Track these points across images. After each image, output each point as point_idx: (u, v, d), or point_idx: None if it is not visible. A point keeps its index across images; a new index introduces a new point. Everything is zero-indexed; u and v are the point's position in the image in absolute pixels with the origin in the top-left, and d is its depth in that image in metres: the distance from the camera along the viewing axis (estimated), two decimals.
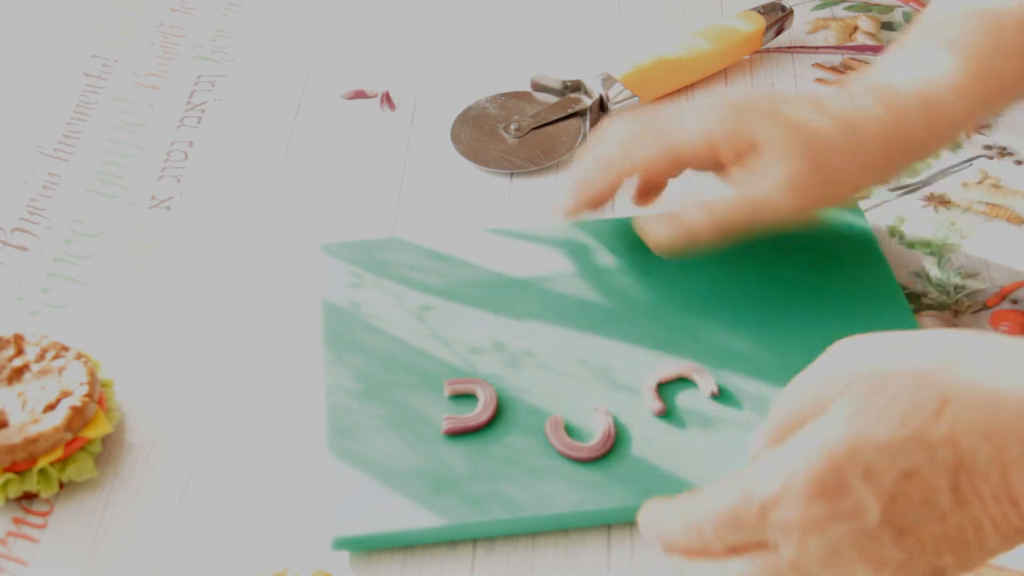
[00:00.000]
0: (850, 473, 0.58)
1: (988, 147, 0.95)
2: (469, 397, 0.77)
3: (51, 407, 0.75)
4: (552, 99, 0.98)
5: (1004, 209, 0.91)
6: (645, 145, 0.81)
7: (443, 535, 0.72)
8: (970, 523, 0.58)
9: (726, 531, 0.61)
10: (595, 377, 0.78)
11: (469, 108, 0.98)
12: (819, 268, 0.84)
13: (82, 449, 0.75)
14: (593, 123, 0.97)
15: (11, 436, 0.73)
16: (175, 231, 0.91)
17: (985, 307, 0.85)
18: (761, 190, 0.78)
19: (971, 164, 0.94)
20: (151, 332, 0.84)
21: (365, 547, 0.72)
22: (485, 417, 0.76)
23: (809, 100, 0.80)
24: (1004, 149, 0.95)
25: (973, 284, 0.86)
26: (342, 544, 0.71)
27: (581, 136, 0.95)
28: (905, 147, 0.80)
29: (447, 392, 0.77)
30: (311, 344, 0.83)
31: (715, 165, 0.80)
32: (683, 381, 0.78)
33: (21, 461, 0.74)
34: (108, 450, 0.78)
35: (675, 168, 0.82)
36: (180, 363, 0.82)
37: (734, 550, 0.62)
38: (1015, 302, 0.85)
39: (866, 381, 0.60)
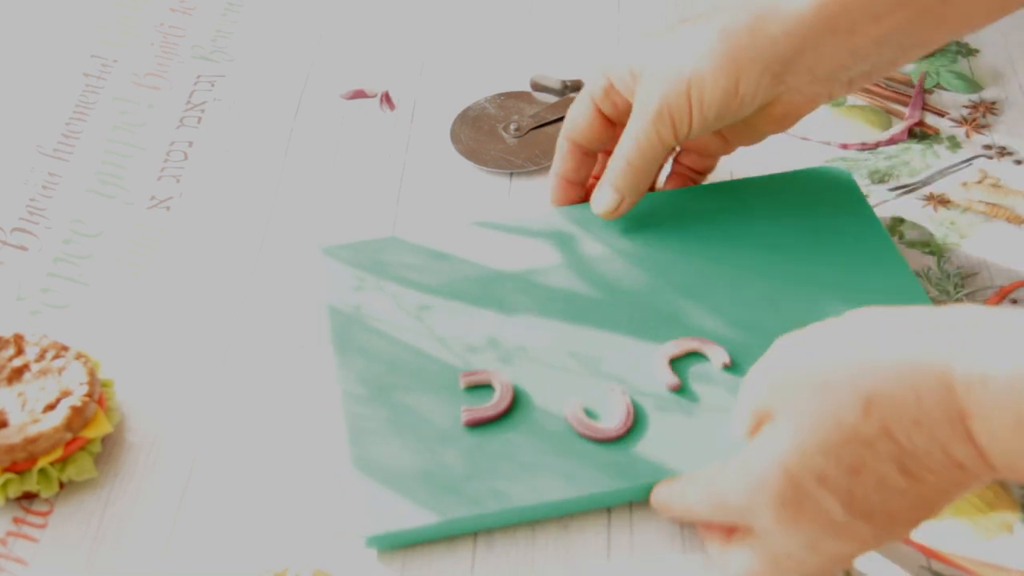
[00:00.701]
0: (806, 482, 0.62)
1: (988, 147, 0.95)
2: (484, 388, 0.78)
3: (51, 407, 0.75)
4: (552, 99, 0.98)
5: (1004, 209, 0.91)
6: (576, 107, 0.85)
7: (474, 525, 0.72)
8: (929, 490, 0.62)
9: (718, 514, 0.68)
10: (607, 359, 0.79)
11: (469, 108, 0.98)
12: (807, 227, 0.85)
13: (82, 449, 0.75)
14: None
15: (11, 436, 0.73)
16: (175, 231, 0.91)
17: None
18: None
19: (971, 164, 0.94)
20: (151, 332, 0.84)
21: (398, 543, 0.72)
22: (503, 406, 0.76)
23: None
24: (1004, 149, 0.95)
25: (973, 284, 0.86)
26: (374, 542, 0.72)
27: None
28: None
29: (462, 384, 0.77)
30: (313, 345, 0.83)
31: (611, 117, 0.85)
32: (694, 356, 0.79)
33: (21, 461, 0.74)
34: (108, 450, 0.78)
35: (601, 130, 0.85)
36: (180, 363, 0.82)
37: (732, 532, 0.68)
38: (1015, 302, 0.85)
39: (803, 388, 0.63)
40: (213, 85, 1.02)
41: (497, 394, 0.77)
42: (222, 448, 0.78)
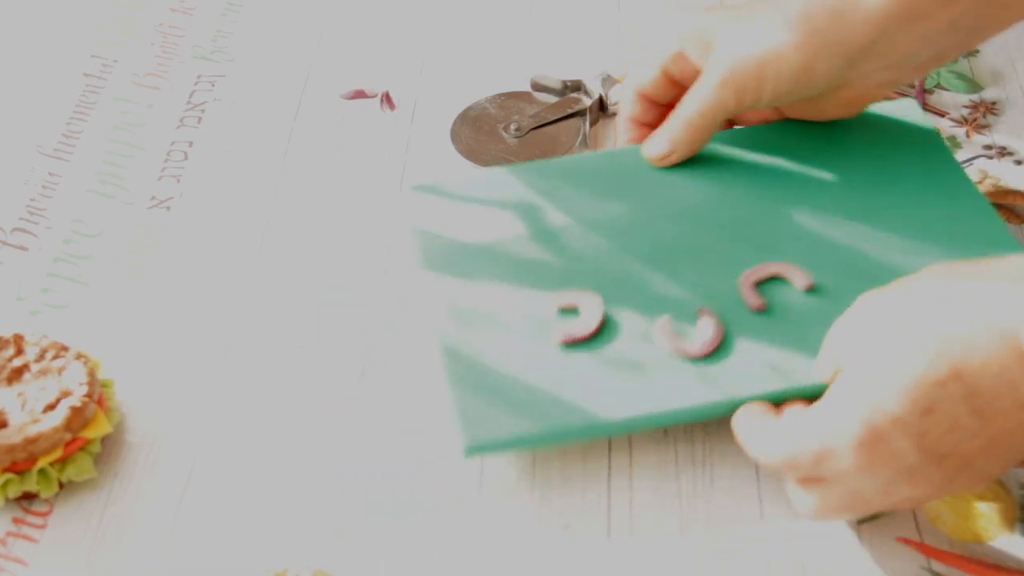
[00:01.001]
0: (881, 425, 0.65)
1: (988, 147, 0.95)
2: (575, 311, 0.79)
3: (51, 407, 0.75)
4: (552, 99, 0.98)
5: (1004, 209, 0.90)
6: (642, 65, 0.87)
7: (566, 435, 0.74)
8: (1000, 433, 0.65)
9: (790, 471, 0.69)
10: (694, 282, 0.80)
11: (469, 108, 0.98)
12: (886, 165, 0.87)
13: (82, 449, 0.75)
14: (592, 123, 0.97)
15: (11, 436, 0.73)
16: (175, 231, 0.91)
17: None
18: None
19: (971, 164, 0.94)
20: (151, 332, 0.84)
21: (494, 449, 0.74)
22: (595, 326, 0.78)
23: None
24: (1004, 149, 0.95)
25: None
26: (473, 450, 0.73)
27: (581, 136, 0.95)
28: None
29: (555, 305, 0.79)
30: (310, 343, 0.83)
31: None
32: (777, 280, 0.80)
33: (21, 461, 0.74)
34: (108, 450, 0.78)
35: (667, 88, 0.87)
36: (180, 363, 0.82)
37: (802, 480, 0.70)
38: None
39: (879, 338, 0.67)
40: (213, 85, 1.02)
41: (589, 315, 0.78)
42: (222, 448, 0.78)
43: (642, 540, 0.73)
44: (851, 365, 0.68)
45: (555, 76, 0.99)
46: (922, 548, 0.72)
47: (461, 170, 0.94)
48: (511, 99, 0.99)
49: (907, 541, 0.73)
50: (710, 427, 0.78)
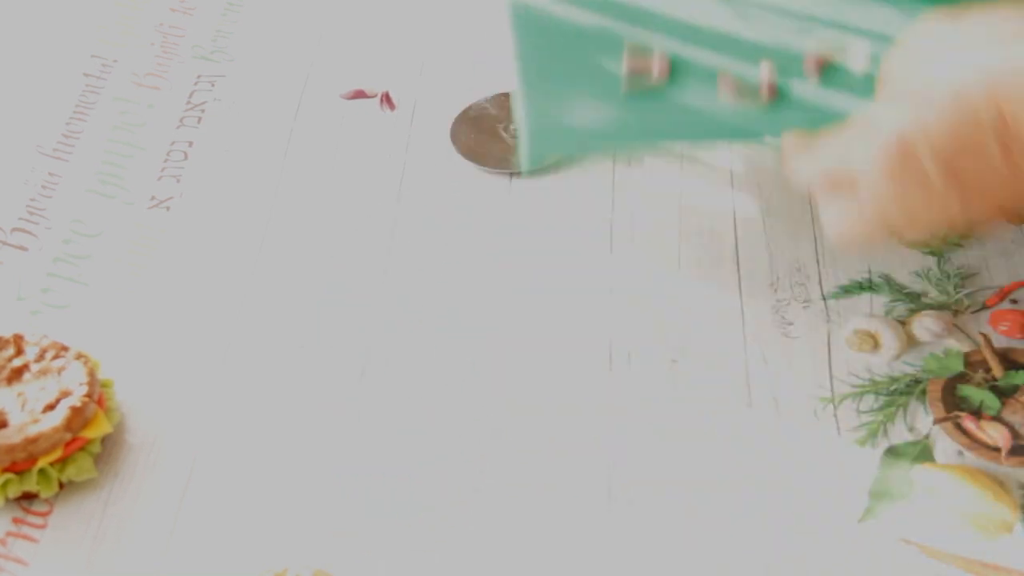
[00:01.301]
0: (914, 139, 0.69)
1: None
2: (646, 53, 0.82)
3: (51, 407, 0.75)
4: None
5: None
6: None
7: (629, 134, 0.80)
8: (1020, 169, 0.68)
9: (822, 178, 0.73)
10: (756, 38, 0.83)
11: (469, 108, 0.98)
12: None
13: (82, 449, 0.75)
14: None
15: (11, 436, 0.73)
16: (175, 231, 0.91)
17: (985, 307, 0.85)
18: None
19: None
20: (151, 332, 0.84)
21: (557, 142, 0.80)
22: (663, 74, 0.81)
23: None
24: None
25: (973, 284, 0.86)
26: (532, 162, 0.79)
27: None
28: None
29: (625, 57, 0.82)
30: (313, 345, 0.83)
31: None
32: (838, 49, 0.83)
33: (21, 461, 0.74)
34: (108, 450, 0.78)
35: None
36: (180, 363, 0.82)
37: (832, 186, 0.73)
38: (1015, 302, 0.85)
39: (927, 62, 0.71)
40: (213, 85, 1.02)
41: (657, 64, 0.81)
42: (222, 448, 0.78)
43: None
44: (894, 82, 0.72)
45: None
46: (922, 548, 0.72)
47: (461, 170, 0.94)
48: (511, 99, 0.99)
49: (908, 541, 0.73)
50: None
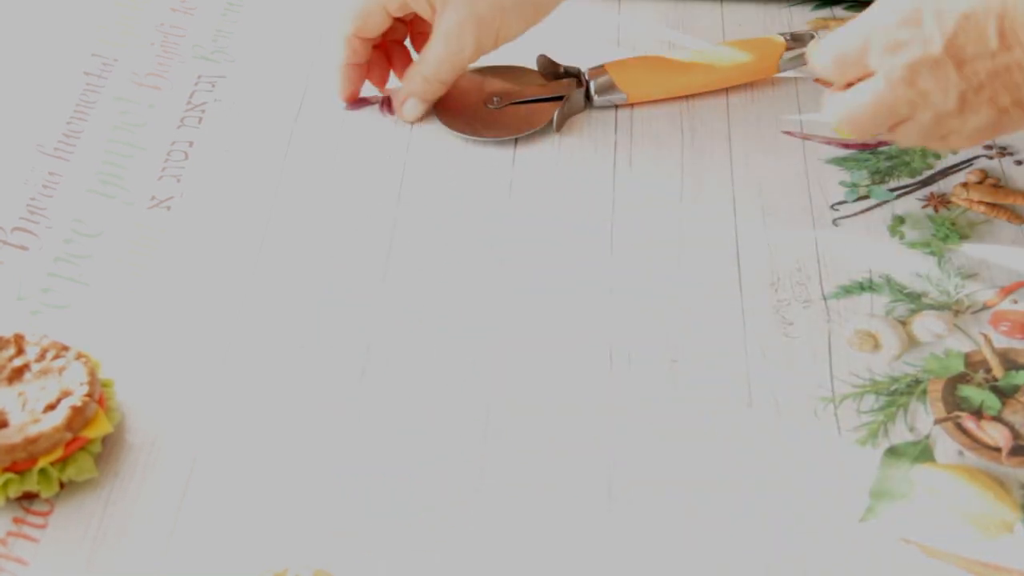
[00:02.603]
0: (925, 9, 0.76)
1: (988, 147, 0.95)
2: None
3: (51, 407, 0.75)
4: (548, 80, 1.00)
5: (1004, 209, 0.91)
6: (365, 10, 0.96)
7: None
8: (1015, 63, 0.75)
9: (844, 67, 0.80)
10: None
11: (467, 72, 1.00)
12: None
13: (82, 449, 0.75)
14: (575, 112, 0.98)
15: (11, 436, 0.73)
16: (175, 231, 0.91)
17: (985, 307, 0.85)
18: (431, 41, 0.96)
19: (971, 164, 0.94)
20: (151, 332, 0.84)
21: None
22: None
23: None
24: (1004, 149, 0.95)
25: (973, 284, 0.86)
26: None
27: (551, 121, 0.96)
28: None
29: None
30: (313, 345, 0.83)
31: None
32: None
33: (21, 461, 0.74)
34: (108, 450, 0.78)
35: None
36: (180, 363, 0.82)
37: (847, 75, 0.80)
38: (1015, 302, 0.85)
39: None
40: (214, 86, 1.02)
41: None
42: (222, 448, 0.78)
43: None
44: None
45: (560, 61, 1.00)
46: (922, 548, 0.72)
47: (461, 170, 0.95)
48: (511, 71, 1.00)
49: (908, 541, 0.73)
50: None
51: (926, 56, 0.76)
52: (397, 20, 0.97)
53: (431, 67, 0.96)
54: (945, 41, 0.75)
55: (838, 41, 0.80)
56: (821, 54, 0.81)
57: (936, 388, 0.80)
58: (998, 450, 0.77)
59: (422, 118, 0.98)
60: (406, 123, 0.98)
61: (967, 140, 0.80)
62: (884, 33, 0.77)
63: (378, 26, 0.96)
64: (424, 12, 0.95)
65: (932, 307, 0.85)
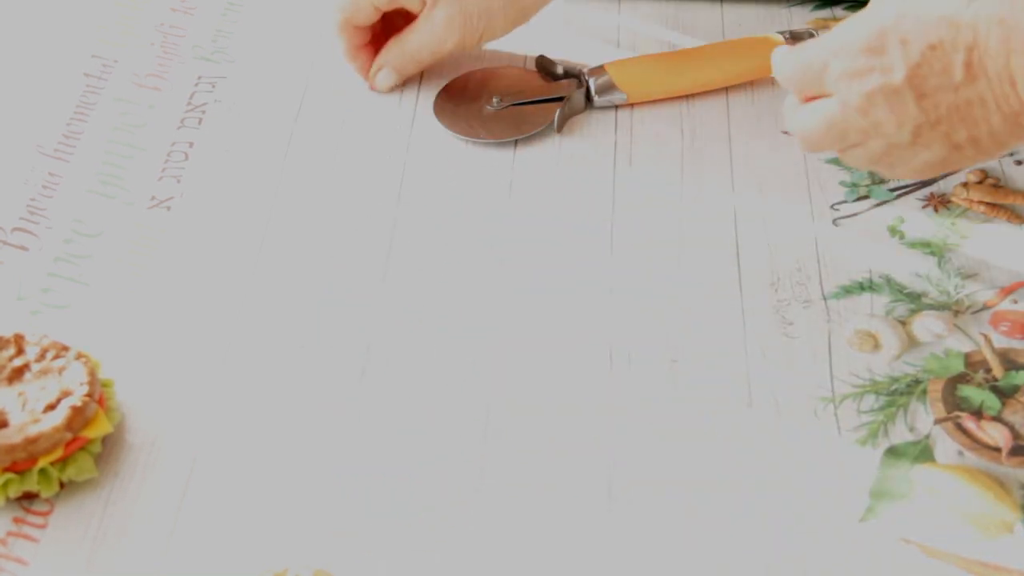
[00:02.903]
0: (890, 37, 0.74)
1: None
2: None
3: (51, 407, 0.75)
4: (548, 81, 1.00)
5: (1004, 209, 0.91)
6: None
7: None
8: (977, 97, 0.73)
9: (803, 83, 0.79)
10: None
11: (467, 73, 1.00)
12: None
13: (82, 449, 0.75)
14: (575, 112, 0.97)
15: (11, 436, 0.73)
16: (175, 231, 0.91)
17: (985, 307, 0.85)
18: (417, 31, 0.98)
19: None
20: (151, 332, 0.84)
21: None
22: None
23: None
24: None
25: (973, 284, 0.86)
26: None
27: (552, 121, 0.96)
28: None
29: None
30: (313, 345, 0.83)
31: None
32: None
33: (21, 461, 0.74)
34: (108, 450, 0.78)
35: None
36: (180, 363, 0.82)
37: (806, 94, 0.79)
38: (1015, 302, 0.85)
39: None
40: (214, 86, 1.02)
41: None
42: (222, 448, 0.78)
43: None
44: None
45: (560, 60, 1.00)
46: (922, 548, 0.72)
47: (461, 170, 0.95)
48: (511, 71, 1.00)
49: (908, 541, 0.73)
50: None
51: (886, 85, 0.74)
52: (389, 14, 0.99)
53: (411, 46, 0.98)
54: (908, 71, 0.73)
55: (802, 56, 0.78)
56: (783, 65, 0.80)
57: (936, 388, 0.80)
58: (998, 450, 0.77)
59: (394, 89, 1.00)
60: (379, 92, 1.00)
61: (914, 172, 0.79)
62: (846, 57, 0.75)
63: (368, 17, 0.98)
64: (413, 6, 0.97)
65: (932, 307, 0.85)
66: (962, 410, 0.79)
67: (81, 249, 0.90)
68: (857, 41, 0.75)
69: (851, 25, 0.76)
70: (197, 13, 1.09)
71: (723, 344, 0.83)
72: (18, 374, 0.77)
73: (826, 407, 0.79)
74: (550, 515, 0.75)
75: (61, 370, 0.77)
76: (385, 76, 1.00)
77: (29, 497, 0.75)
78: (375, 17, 0.98)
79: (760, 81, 1.01)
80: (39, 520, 0.75)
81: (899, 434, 0.78)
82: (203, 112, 1.00)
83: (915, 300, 0.85)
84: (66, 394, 0.75)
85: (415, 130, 0.98)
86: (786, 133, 0.96)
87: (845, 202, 0.91)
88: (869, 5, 0.76)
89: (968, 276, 0.86)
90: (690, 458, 0.77)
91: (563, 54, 1.02)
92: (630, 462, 0.77)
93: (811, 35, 1.00)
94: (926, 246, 0.88)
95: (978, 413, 0.79)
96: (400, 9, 0.99)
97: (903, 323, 0.84)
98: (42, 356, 0.77)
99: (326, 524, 0.74)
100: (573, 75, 0.99)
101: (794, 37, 1.00)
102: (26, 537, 0.74)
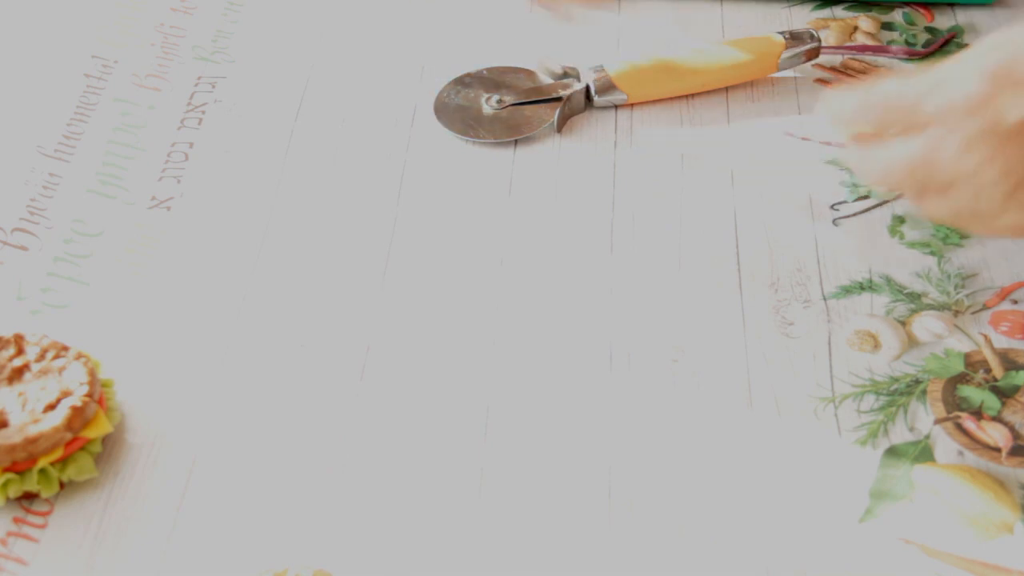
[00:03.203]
0: (1002, 80, 0.68)
1: None
2: None
3: (51, 407, 0.75)
4: (548, 81, 1.00)
5: None
6: None
7: None
8: None
9: (884, 119, 0.72)
10: None
11: (467, 73, 1.00)
12: None
13: (82, 449, 0.75)
14: (575, 112, 0.97)
15: (11, 436, 0.73)
16: (175, 231, 0.91)
17: (985, 307, 0.85)
18: None
19: None
20: (151, 332, 0.84)
21: None
22: None
23: None
24: None
25: (973, 284, 0.86)
26: None
27: (551, 122, 0.96)
28: None
29: None
30: (313, 345, 0.83)
31: None
32: None
33: (21, 461, 0.74)
34: (108, 450, 0.78)
35: None
36: (180, 363, 0.82)
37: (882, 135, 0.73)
38: (1015, 302, 0.85)
39: None
40: (214, 87, 1.02)
41: None
42: (222, 448, 0.78)
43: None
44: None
45: (559, 60, 1.00)
46: (922, 548, 0.72)
47: (461, 170, 0.95)
48: (511, 72, 1.00)
49: (908, 541, 0.73)
50: None
51: (995, 128, 0.68)
52: None
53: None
54: (1019, 117, 0.67)
55: (879, 92, 0.72)
56: (844, 101, 0.74)
57: (936, 388, 0.80)
58: (998, 450, 0.77)
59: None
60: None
61: (996, 231, 0.73)
62: (947, 96, 0.69)
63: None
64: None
65: (932, 307, 0.85)
66: (962, 410, 0.79)
67: (81, 249, 0.90)
68: (962, 81, 0.69)
69: (953, 65, 0.70)
70: (197, 13, 1.09)
71: (723, 344, 0.83)
72: (18, 374, 0.77)
73: (826, 407, 0.79)
74: (550, 515, 0.75)
75: (61, 370, 0.77)
76: None
77: (29, 497, 0.75)
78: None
79: (760, 81, 1.01)
80: (39, 520, 0.75)
81: (899, 434, 0.78)
82: (203, 112, 1.00)
83: (915, 300, 0.85)
84: (66, 394, 0.75)
85: (415, 130, 0.98)
86: (788, 134, 0.96)
87: (845, 202, 0.91)
88: (974, 47, 0.71)
89: (968, 276, 0.86)
90: (690, 458, 0.77)
91: (563, 53, 1.02)
92: (630, 462, 0.77)
93: (811, 35, 1.00)
94: (926, 246, 0.88)
95: (978, 413, 0.79)
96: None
97: (903, 323, 0.84)
98: (42, 356, 0.77)
99: (326, 524, 0.74)
100: (573, 75, 0.99)
101: (794, 37, 1.00)
102: (26, 537, 0.74)
